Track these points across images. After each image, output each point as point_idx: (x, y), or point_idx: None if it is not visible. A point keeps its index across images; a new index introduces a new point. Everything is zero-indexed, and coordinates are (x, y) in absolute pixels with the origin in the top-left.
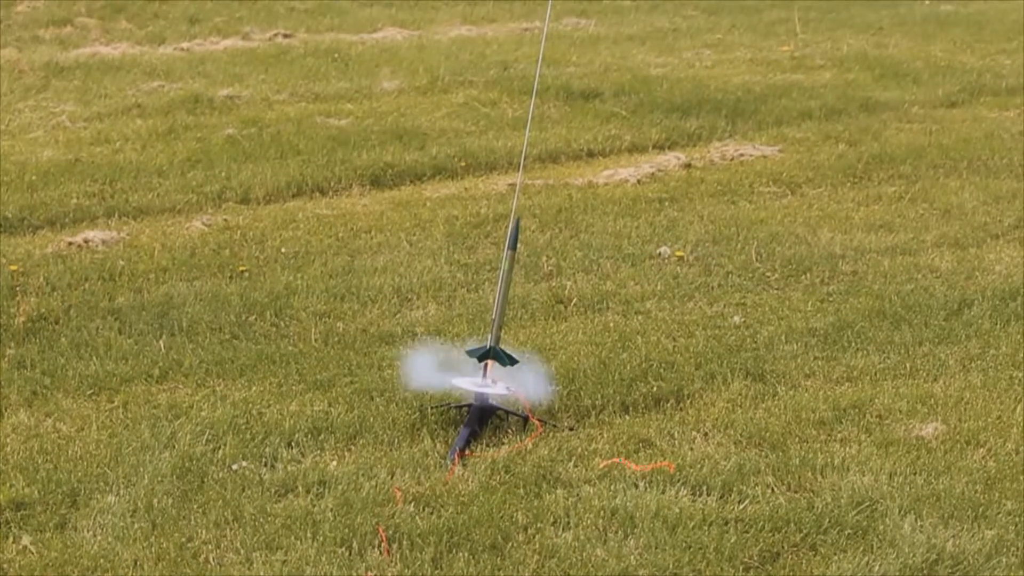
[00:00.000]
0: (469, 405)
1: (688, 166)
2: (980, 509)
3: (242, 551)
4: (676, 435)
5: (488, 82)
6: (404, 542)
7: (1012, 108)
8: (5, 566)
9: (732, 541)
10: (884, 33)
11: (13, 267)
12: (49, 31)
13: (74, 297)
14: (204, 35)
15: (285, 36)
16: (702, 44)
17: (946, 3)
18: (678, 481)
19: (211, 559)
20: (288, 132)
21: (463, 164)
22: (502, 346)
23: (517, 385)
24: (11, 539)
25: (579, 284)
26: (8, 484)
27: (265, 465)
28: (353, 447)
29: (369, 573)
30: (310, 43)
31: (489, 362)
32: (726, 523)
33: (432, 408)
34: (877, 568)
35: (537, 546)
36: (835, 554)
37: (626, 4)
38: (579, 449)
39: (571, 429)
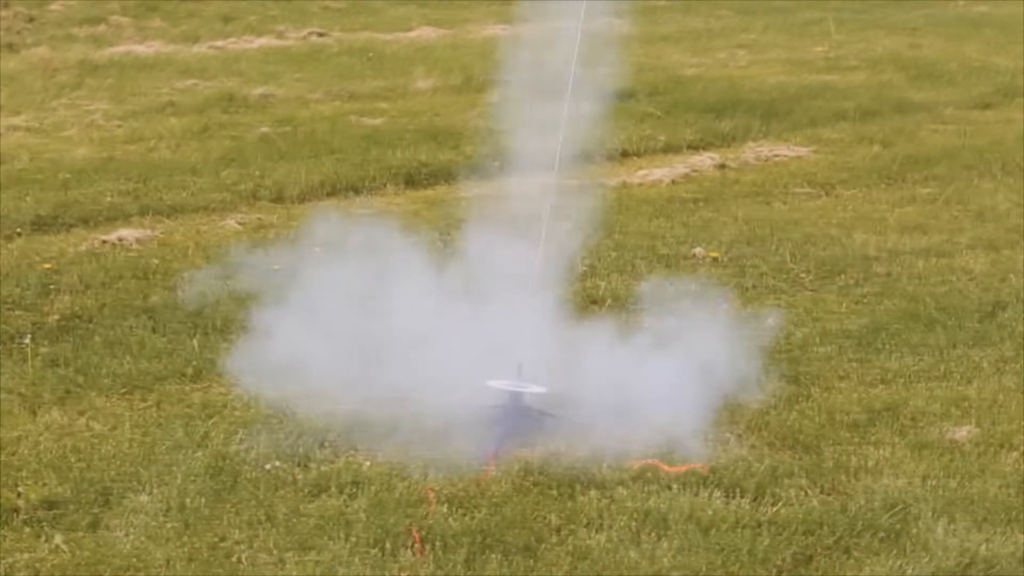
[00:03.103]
0: (504, 405)
1: (722, 167)
2: (1014, 513)
3: (275, 551)
4: (710, 436)
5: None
6: (437, 543)
7: None
8: (37, 565)
9: (765, 544)
10: (918, 34)
11: (47, 265)
12: (83, 29)
13: (108, 295)
14: (238, 33)
15: (319, 35)
16: (736, 44)
17: (980, 4)
18: (711, 483)
19: (243, 559)
20: (322, 131)
21: (498, 164)
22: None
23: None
24: (43, 538)
25: (613, 284)
26: (41, 483)
27: (298, 465)
28: (386, 447)
29: (402, 574)
30: (344, 42)
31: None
32: (759, 526)
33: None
34: (910, 572)
35: (570, 548)
36: (868, 557)
37: (660, 4)
38: (613, 450)
39: None
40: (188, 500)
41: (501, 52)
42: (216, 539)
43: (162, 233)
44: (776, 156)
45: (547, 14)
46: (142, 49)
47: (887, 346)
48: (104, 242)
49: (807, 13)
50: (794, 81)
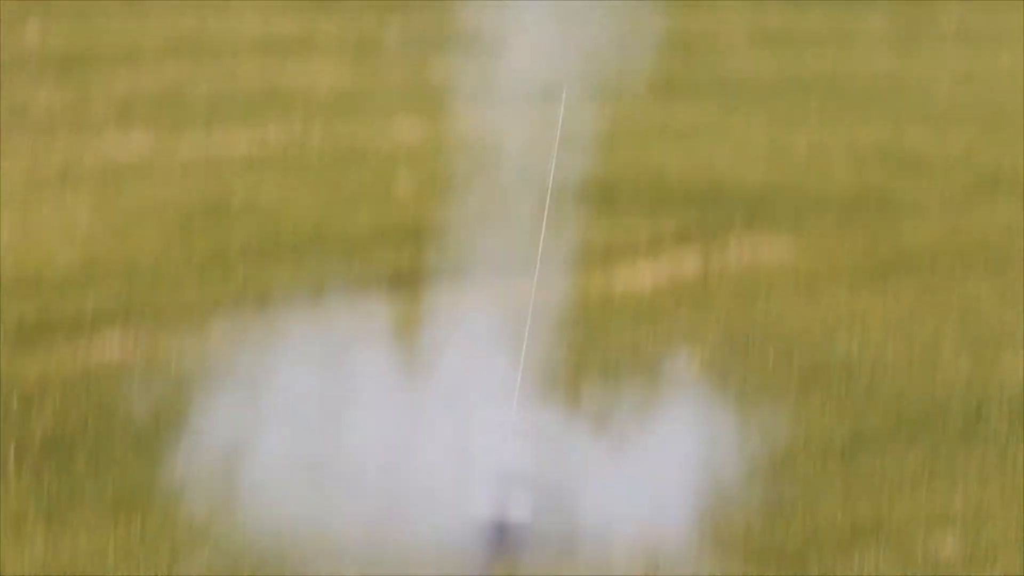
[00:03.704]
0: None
1: (705, 263)
2: None
3: None
4: (692, 549)
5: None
6: None
7: None
8: None
9: None
10: (902, 123)
11: (29, 377)
12: (65, 121)
13: (91, 409)
14: (223, 129)
15: (304, 131)
16: (719, 135)
17: (966, 87)
18: None
19: None
20: (307, 231)
21: (478, 266)
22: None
23: None
24: None
25: (594, 389)
26: None
27: None
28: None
29: None
30: (328, 139)
31: None
32: None
33: None
34: None
35: None
36: None
37: (642, 95)
38: (594, 562)
39: None
40: None
41: (482, 148)
42: None
43: (147, 341)
44: (759, 252)
45: (529, 100)
46: (125, 146)
47: (871, 452)
48: (87, 353)
49: (791, 100)
50: (776, 173)
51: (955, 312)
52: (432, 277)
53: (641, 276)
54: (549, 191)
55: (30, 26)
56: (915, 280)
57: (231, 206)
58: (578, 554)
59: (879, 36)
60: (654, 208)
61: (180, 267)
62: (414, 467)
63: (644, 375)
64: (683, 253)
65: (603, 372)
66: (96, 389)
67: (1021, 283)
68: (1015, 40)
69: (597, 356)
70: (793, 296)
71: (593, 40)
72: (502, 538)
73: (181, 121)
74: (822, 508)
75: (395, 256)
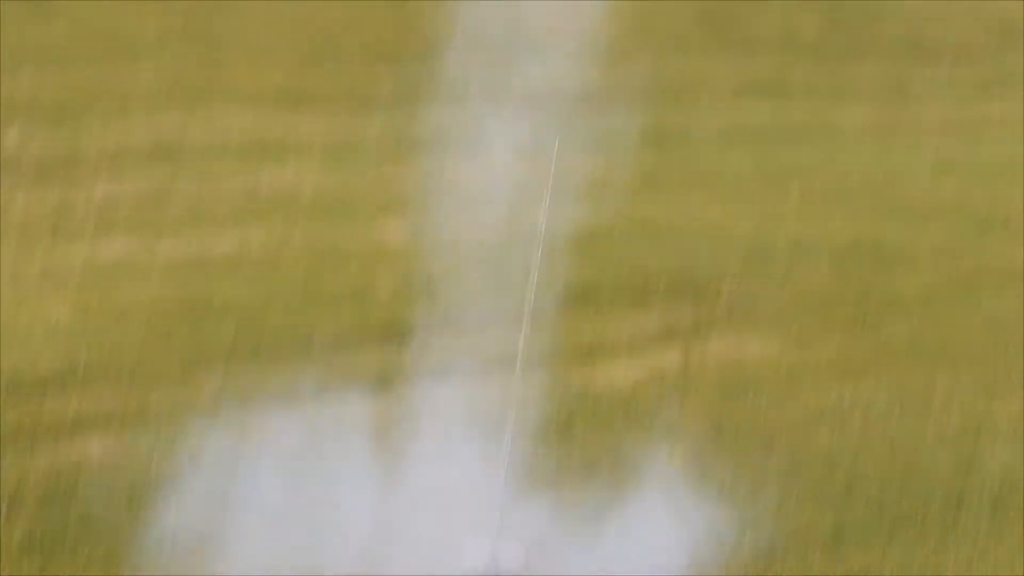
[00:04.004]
0: None
1: (686, 358)
2: None
3: None
4: None
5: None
6: None
7: None
8: None
9: None
10: (884, 216)
11: (8, 481)
12: (47, 226)
13: (72, 513)
14: (204, 230)
15: (285, 232)
16: (699, 230)
17: (955, 140)
18: None
19: None
20: (288, 331)
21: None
22: None
23: None
24: None
25: (578, 487)
26: None
27: None
28: None
29: None
30: (309, 240)
31: None
32: None
33: None
34: None
35: None
36: None
37: (622, 191)
38: None
39: None
40: None
41: (463, 248)
42: None
43: (128, 442)
44: (740, 349)
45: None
46: (106, 248)
47: (853, 545)
48: (68, 455)
49: (770, 194)
50: (757, 268)
51: (936, 405)
52: (414, 377)
53: (623, 372)
54: (532, 288)
55: (10, 130)
56: (896, 374)
57: (212, 308)
58: None
59: (859, 130)
60: (635, 304)
61: (161, 369)
62: (395, 570)
63: (625, 471)
64: (665, 348)
65: (585, 468)
66: (76, 492)
67: (1001, 376)
68: (996, 133)
69: (578, 452)
70: (774, 391)
71: (572, 139)
72: None
73: (162, 224)
74: None
75: (377, 356)
